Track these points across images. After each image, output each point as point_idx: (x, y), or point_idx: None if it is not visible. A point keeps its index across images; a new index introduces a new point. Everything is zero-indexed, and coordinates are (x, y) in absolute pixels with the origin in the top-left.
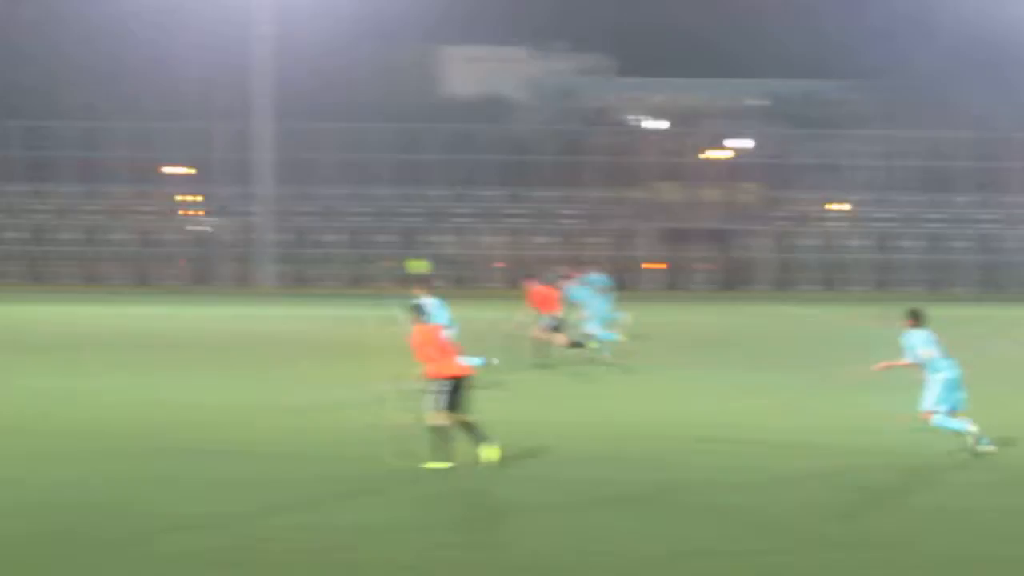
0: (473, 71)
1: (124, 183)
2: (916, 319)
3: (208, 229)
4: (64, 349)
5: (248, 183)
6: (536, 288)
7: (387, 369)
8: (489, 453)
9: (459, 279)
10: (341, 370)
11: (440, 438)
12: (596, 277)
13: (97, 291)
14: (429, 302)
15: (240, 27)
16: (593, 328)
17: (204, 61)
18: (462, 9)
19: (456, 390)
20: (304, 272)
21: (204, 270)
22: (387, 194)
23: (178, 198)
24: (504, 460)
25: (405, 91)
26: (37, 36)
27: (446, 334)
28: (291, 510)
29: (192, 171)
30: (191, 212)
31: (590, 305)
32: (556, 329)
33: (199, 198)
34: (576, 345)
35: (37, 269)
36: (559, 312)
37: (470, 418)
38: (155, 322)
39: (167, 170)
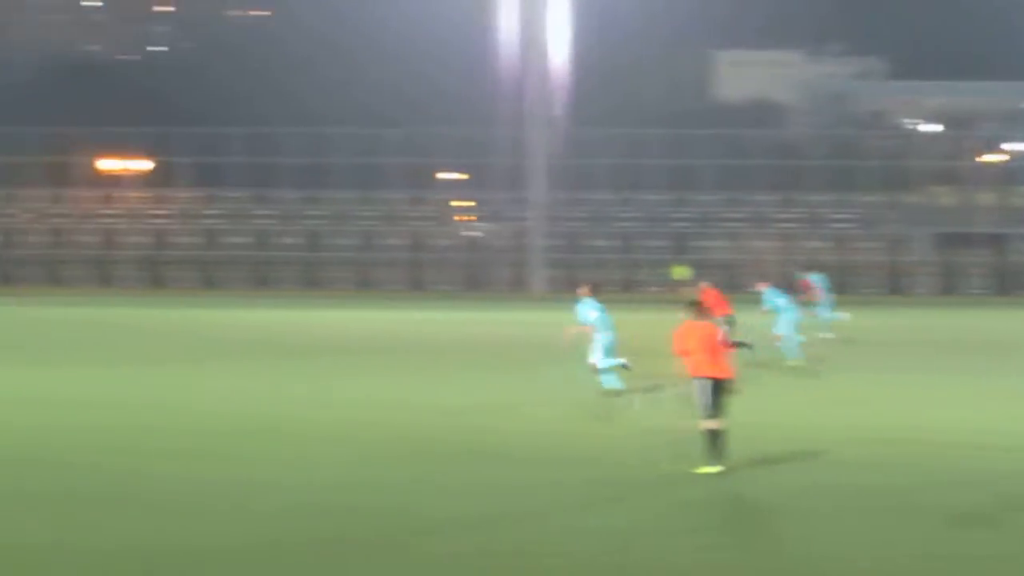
0: (746, 75)
1: (398, 189)
2: None
3: (481, 234)
4: (335, 353)
5: (521, 188)
6: (708, 291)
7: (657, 372)
8: (712, 468)
9: (731, 284)
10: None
11: (710, 442)
12: (817, 277)
13: (371, 296)
14: (589, 303)
15: (515, 33)
16: (786, 330)
17: (478, 67)
18: (735, 13)
19: (716, 391)
20: (576, 277)
21: (477, 275)
22: (658, 199)
23: (452, 204)
24: (766, 464)
25: (677, 96)
26: (314, 43)
27: (606, 337)
28: (555, 513)
29: (465, 176)
30: (464, 217)
31: (784, 309)
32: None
33: (472, 203)
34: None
35: (312, 274)
36: (730, 314)
37: (722, 424)
38: (427, 326)
39: (441, 176)
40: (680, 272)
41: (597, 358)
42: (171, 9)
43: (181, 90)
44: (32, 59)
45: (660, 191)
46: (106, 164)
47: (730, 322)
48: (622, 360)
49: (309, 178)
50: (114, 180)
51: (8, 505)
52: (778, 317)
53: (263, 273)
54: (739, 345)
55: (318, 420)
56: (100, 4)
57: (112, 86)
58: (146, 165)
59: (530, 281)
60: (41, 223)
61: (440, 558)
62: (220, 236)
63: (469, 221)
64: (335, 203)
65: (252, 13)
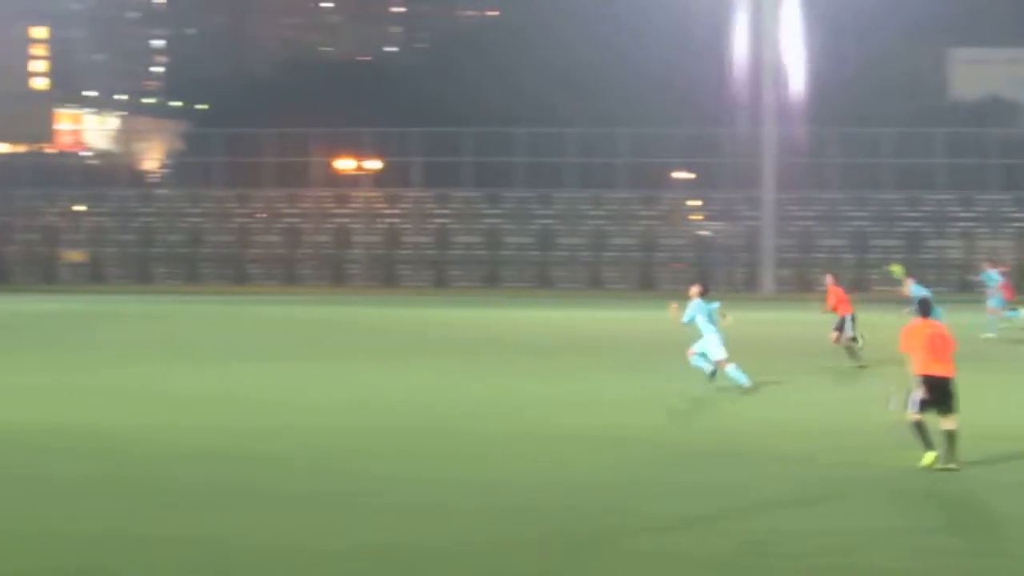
0: (981, 73)
1: (628, 188)
2: None
3: (711, 234)
4: (567, 352)
5: (752, 187)
6: (832, 287)
7: (883, 370)
8: (928, 459)
9: (963, 284)
10: (829, 371)
11: (921, 436)
12: (991, 274)
13: (601, 295)
14: (699, 303)
15: (747, 30)
16: None
17: (710, 65)
18: (971, 11)
19: (936, 390)
20: (805, 276)
21: (707, 274)
22: (891, 198)
23: (685, 203)
24: (987, 463)
25: (911, 94)
26: (544, 42)
27: (712, 336)
28: (777, 512)
29: (694, 176)
30: (694, 217)
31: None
32: (840, 329)
33: (700, 203)
34: (853, 340)
35: (543, 273)
36: (851, 312)
37: (953, 423)
38: (656, 325)
39: (672, 175)
40: (897, 271)
41: (693, 352)
42: (403, 10)
43: (413, 89)
44: (268, 60)
45: (893, 190)
46: (339, 164)
47: (851, 320)
48: (720, 359)
49: (540, 177)
50: (347, 179)
51: (252, 505)
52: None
53: (494, 272)
54: (852, 339)
55: (549, 419)
56: (333, 5)
57: (346, 86)
58: (378, 164)
59: (761, 281)
60: (276, 222)
61: (653, 556)
62: (452, 235)
63: (699, 220)
64: (565, 202)
65: (482, 13)
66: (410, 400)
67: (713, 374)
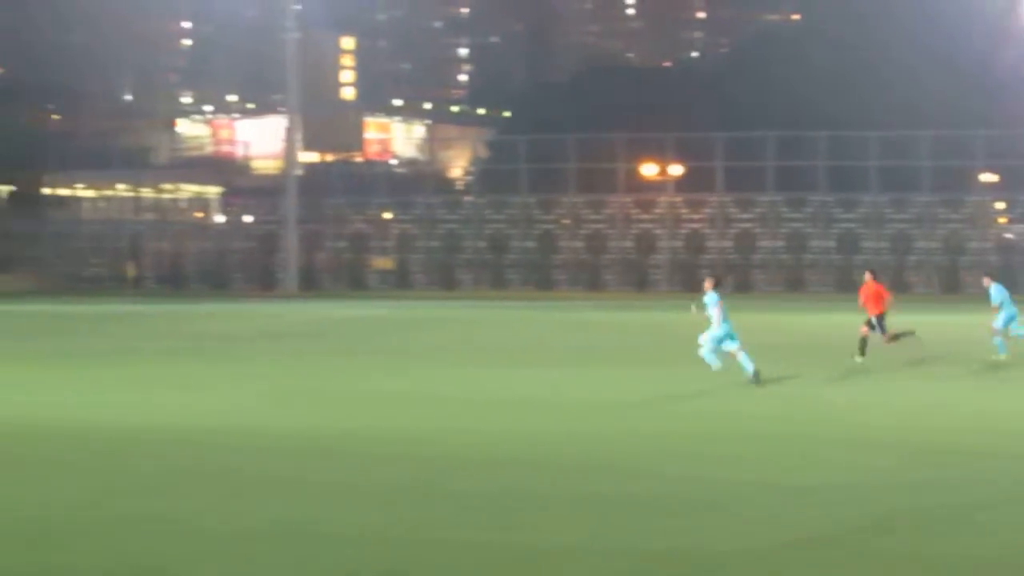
0: None
1: (931, 191)
2: None
3: (1014, 236)
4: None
5: None
6: (868, 285)
7: None
8: None
9: None
10: None
11: None
12: None
13: (904, 300)
14: (712, 296)
15: None
16: (1005, 327)
17: (1016, 64)
18: None
19: None
20: None
21: (1015, 277)
22: None
23: (991, 206)
24: None
25: None
26: (845, 45)
27: (722, 326)
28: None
29: (998, 178)
30: (1000, 220)
31: (1006, 305)
32: (871, 326)
33: (1005, 205)
34: (898, 337)
35: (843, 278)
36: (884, 312)
37: None
38: (958, 331)
39: (976, 177)
40: None
41: (704, 340)
42: (704, 15)
43: (715, 94)
44: (570, 66)
45: None
46: (641, 169)
47: (878, 321)
48: (732, 349)
49: (842, 180)
50: (650, 185)
51: (561, 508)
52: (1000, 311)
53: (797, 276)
54: (900, 336)
55: (844, 423)
56: (635, 12)
57: (647, 91)
58: (681, 170)
59: None
60: (580, 228)
61: (917, 560)
62: (754, 239)
63: (1005, 224)
64: (868, 206)
65: (785, 17)
66: (706, 404)
67: (711, 359)
